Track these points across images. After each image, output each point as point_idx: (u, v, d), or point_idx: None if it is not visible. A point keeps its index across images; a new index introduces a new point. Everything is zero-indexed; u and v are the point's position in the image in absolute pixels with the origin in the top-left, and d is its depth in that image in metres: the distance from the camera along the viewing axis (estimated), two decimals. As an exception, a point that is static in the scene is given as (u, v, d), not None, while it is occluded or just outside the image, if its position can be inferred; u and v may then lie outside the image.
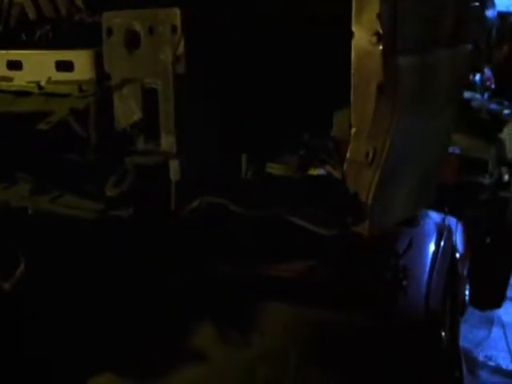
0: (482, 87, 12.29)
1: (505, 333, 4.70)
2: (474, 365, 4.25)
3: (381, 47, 1.59)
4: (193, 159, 1.92)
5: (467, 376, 4.09)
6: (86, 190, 1.86)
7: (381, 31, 1.58)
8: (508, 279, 5.60)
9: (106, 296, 2.06)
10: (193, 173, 1.89)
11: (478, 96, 8.43)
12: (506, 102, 8.34)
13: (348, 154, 1.79)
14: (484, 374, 4.16)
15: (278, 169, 2.00)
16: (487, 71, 13.77)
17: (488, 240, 6.00)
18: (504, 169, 6.52)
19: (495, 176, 6.22)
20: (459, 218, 5.96)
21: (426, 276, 2.52)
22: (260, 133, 2.02)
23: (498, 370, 4.23)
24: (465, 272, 4.02)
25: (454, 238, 4.14)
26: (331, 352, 2.11)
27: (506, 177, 6.48)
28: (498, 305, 5.23)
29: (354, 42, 1.64)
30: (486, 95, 11.74)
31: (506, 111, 7.09)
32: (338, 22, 1.65)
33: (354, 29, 1.64)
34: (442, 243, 2.84)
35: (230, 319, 2.11)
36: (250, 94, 1.99)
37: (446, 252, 2.83)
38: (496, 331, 4.69)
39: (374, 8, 1.58)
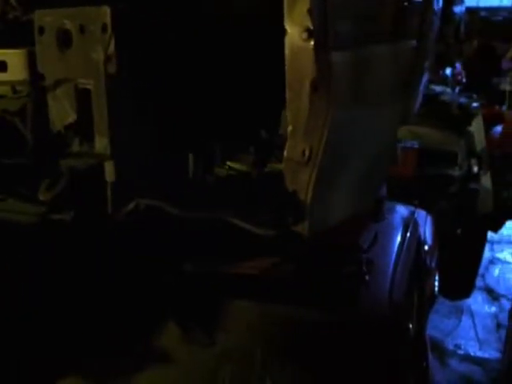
0: (454, 81, 12.41)
1: (474, 321, 4.74)
2: (443, 354, 4.28)
3: (312, 43, 1.55)
4: (129, 160, 1.86)
5: (437, 365, 4.13)
6: (26, 194, 1.81)
7: (311, 27, 1.53)
8: (477, 269, 5.66)
9: (68, 297, 2.02)
10: (129, 174, 1.82)
11: (448, 90, 8.50)
12: (474, 96, 8.43)
13: (285, 153, 1.74)
14: (453, 363, 4.19)
15: (235, 167, 1.97)
16: (458, 66, 13.91)
17: (459, 231, 6.05)
18: (473, 160, 6.57)
19: (465, 168, 6.27)
20: (430, 210, 6.01)
21: (390, 269, 2.51)
22: (207, 132, 1.97)
23: (466, 358, 4.26)
24: (433, 264, 4.03)
25: (421, 231, 4.15)
26: (296, 348, 2.09)
27: (476, 168, 6.53)
28: (468, 294, 5.28)
29: (286, 39, 1.59)
30: (457, 89, 11.86)
31: (475, 104, 7.15)
32: (276, 19, 1.58)
33: (286, 25, 1.59)
34: (408, 236, 2.83)
35: (195, 318, 2.08)
36: (188, 92, 1.93)
37: (411, 245, 2.82)
38: (465, 320, 4.73)
39: (304, 3, 1.53)
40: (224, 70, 1.91)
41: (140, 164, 1.85)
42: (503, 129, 8.74)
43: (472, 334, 4.52)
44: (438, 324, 4.56)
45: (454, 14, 8.72)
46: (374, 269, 2.39)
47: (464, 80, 14.26)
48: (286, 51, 1.59)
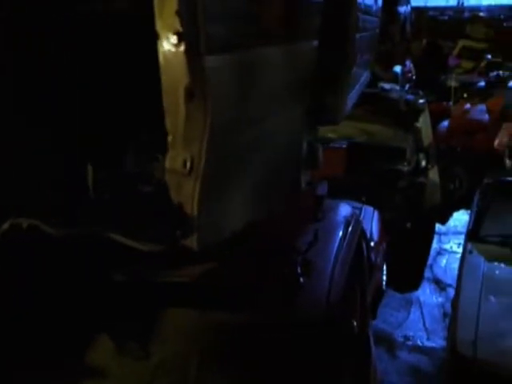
0: (404, 79, 12.58)
1: (422, 313, 4.77)
2: (393, 346, 4.30)
3: (183, 47, 1.40)
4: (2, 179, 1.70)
5: (386, 357, 4.13)
6: None
7: (181, 30, 1.38)
8: (426, 261, 5.72)
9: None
10: (3, 194, 1.71)
11: (397, 87, 8.58)
12: (421, 92, 8.53)
13: (167, 164, 1.57)
14: (402, 354, 4.22)
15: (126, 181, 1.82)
16: (408, 63, 14.10)
17: (408, 224, 6.10)
18: (421, 155, 6.62)
19: (413, 163, 6.32)
20: (381, 204, 6.05)
21: (329, 269, 2.47)
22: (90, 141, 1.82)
23: (415, 349, 4.30)
24: (380, 259, 4.03)
25: (367, 227, 4.14)
26: (232, 353, 2.02)
27: (424, 163, 6.60)
28: (417, 287, 5.32)
29: (158, 43, 1.44)
30: (407, 86, 12.02)
31: (421, 101, 7.21)
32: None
33: (157, 29, 1.42)
34: (349, 234, 2.80)
35: (128, 330, 1.99)
36: (67, 98, 1.76)
37: (352, 242, 2.79)
38: (414, 311, 4.76)
39: (172, 4, 1.36)
40: (105, 73, 1.77)
41: (18, 182, 1.72)
42: (449, 123, 8.89)
43: (420, 324, 4.54)
44: (387, 317, 4.58)
45: (398, 13, 8.81)
46: (311, 269, 2.33)
47: (414, 77, 14.53)
48: (159, 56, 1.45)
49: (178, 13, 1.36)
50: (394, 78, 10.68)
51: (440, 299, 5.03)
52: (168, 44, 1.41)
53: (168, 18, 1.38)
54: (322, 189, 2.98)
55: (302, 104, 2.13)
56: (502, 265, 4.07)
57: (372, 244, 3.82)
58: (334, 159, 3.48)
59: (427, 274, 5.46)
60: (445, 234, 6.47)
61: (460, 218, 6.67)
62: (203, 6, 1.38)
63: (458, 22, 18.16)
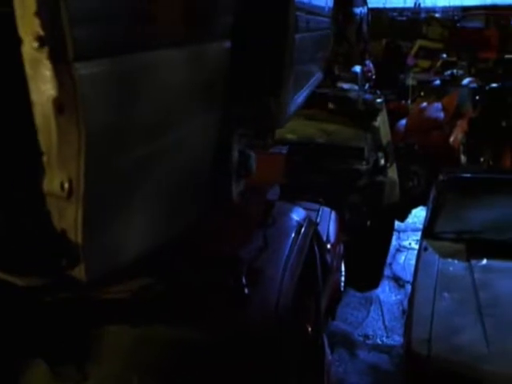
0: (364, 78, 12.63)
1: (382, 311, 4.68)
2: (353, 346, 4.25)
3: (46, 54, 1.17)
4: None
5: (345, 358, 4.08)
6: None
7: (43, 33, 1.15)
8: (385, 259, 5.70)
9: None
10: None
11: (355, 87, 8.58)
12: (378, 92, 8.55)
13: (44, 187, 1.34)
14: (362, 353, 4.16)
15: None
16: (368, 63, 14.18)
17: (368, 223, 6.07)
18: (380, 154, 6.61)
19: (372, 162, 6.30)
20: (341, 204, 6.00)
21: (279, 276, 2.38)
22: None
23: (375, 347, 4.25)
24: (337, 260, 3.96)
25: (324, 228, 4.08)
26: (174, 371, 1.91)
27: (382, 161, 6.58)
28: (377, 285, 5.29)
29: (22, 50, 1.20)
30: (367, 85, 12.07)
31: (379, 100, 7.20)
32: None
33: (20, 32, 1.18)
34: (300, 238, 2.71)
35: (64, 352, 1.86)
36: None
37: (303, 247, 2.70)
38: (374, 310, 4.65)
39: (31, 4, 1.14)
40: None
41: None
42: (407, 121, 8.93)
43: (380, 323, 4.49)
44: (348, 317, 4.53)
45: (354, 14, 8.81)
46: (259, 278, 2.24)
47: (374, 77, 14.62)
48: (25, 65, 1.22)
49: (38, 14, 1.14)
50: (354, 78, 10.72)
51: (399, 296, 5.00)
52: (31, 50, 1.19)
53: (28, 20, 1.16)
54: (273, 193, 2.89)
55: (220, 110, 1.93)
56: (456, 261, 4.05)
57: (328, 246, 3.75)
58: (272, 165, 3.37)
59: (386, 271, 5.44)
60: (403, 231, 6.47)
61: (418, 215, 6.68)
62: (67, 4, 1.14)
63: (415, 22, 18.37)
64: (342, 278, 4.13)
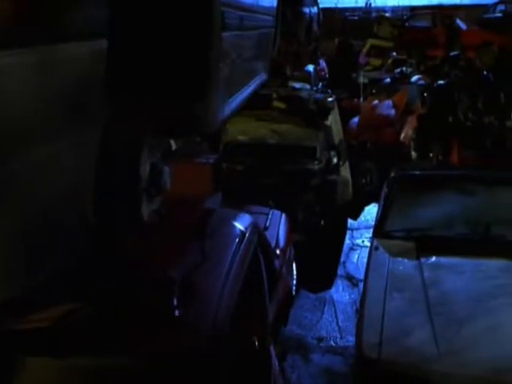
0: (317, 77, 12.58)
1: (335, 311, 4.59)
2: (307, 349, 4.12)
3: None
4: None
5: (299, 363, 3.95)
6: None
7: None
8: (339, 259, 5.63)
9: None
10: None
11: (307, 86, 8.49)
12: (329, 91, 8.49)
13: None
14: (316, 357, 4.03)
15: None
16: (322, 62, 14.15)
17: (322, 222, 5.98)
18: (332, 153, 6.52)
19: (324, 161, 6.21)
20: (293, 205, 5.88)
21: (218, 290, 2.22)
22: None
23: (329, 350, 4.13)
24: (287, 264, 3.81)
25: (274, 232, 3.93)
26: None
27: (335, 160, 6.50)
28: (330, 285, 5.20)
29: None
30: (320, 84, 12.02)
31: (330, 99, 7.10)
32: None
33: None
34: (243, 248, 2.56)
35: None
36: None
37: (245, 256, 2.54)
38: (328, 311, 4.55)
39: None
40: None
41: None
42: (359, 119, 8.90)
43: (334, 324, 4.38)
44: (301, 320, 4.40)
45: (303, 13, 8.70)
46: (194, 295, 2.07)
47: (327, 75, 14.60)
48: None
49: None
50: (308, 77, 10.63)
51: (353, 296, 4.91)
52: None
53: None
54: (214, 201, 2.72)
55: (98, 122, 1.63)
56: (406, 260, 3.98)
57: (278, 251, 3.60)
58: (198, 176, 3.17)
59: (340, 270, 5.34)
60: (357, 229, 6.40)
61: (372, 212, 6.60)
62: None
63: (367, 22, 18.46)
64: (294, 282, 4.00)
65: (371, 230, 5.37)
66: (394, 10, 19.86)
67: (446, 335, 3.17)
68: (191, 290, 2.03)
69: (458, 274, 3.77)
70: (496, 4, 17.00)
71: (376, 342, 3.15)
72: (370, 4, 20.50)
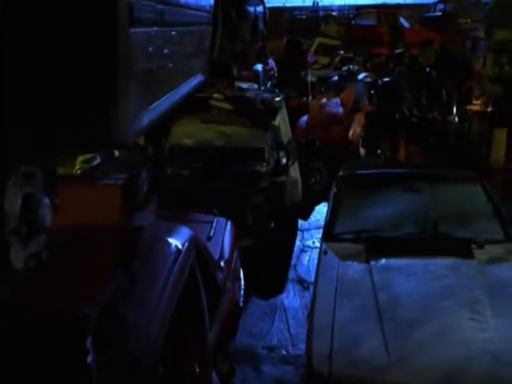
0: (266, 77, 12.38)
1: (287, 318, 4.34)
2: (258, 361, 3.88)
3: None
4: None
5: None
6: None
7: None
8: (289, 262, 5.45)
9: None
10: None
11: (254, 86, 8.27)
12: (277, 90, 8.30)
13: None
14: (267, 368, 3.77)
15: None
16: (271, 61, 13.98)
17: (272, 225, 5.78)
18: (281, 153, 6.33)
19: (272, 162, 6.00)
20: (241, 209, 5.65)
21: (146, 318, 1.97)
22: None
23: (280, 359, 3.92)
24: (233, 275, 3.57)
25: (219, 241, 3.69)
26: None
27: (284, 160, 6.31)
28: (281, 290, 5.00)
29: None
30: (269, 84, 11.83)
31: (278, 98, 6.90)
32: None
33: None
34: (177, 268, 2.30)
35: None
36: None
37: (180, 277, 2.30)
38: (279, 318, 4.29)
39: None
40: None
41: None
42: (308, 118, 8.77)
43: (285, 331, 4.18)
44: (252, 329, 4.16)
45: (248, 12, 8.46)
46: (117, 329, 1.80)
47: (276, 75, 14.45)
48: None
49: None
50: (256, 77, 10.42)
51: (304, 300, 4.72)
52: None
53: None
54: (146, 217, 2.45)
55: None
56: (356, 263, 3.81)
57: (222, 262, 3.36)
58: (104, 201, 2.86)
59: (291, 274, 5.15)
60: (307, 229, 6.22)
61: (322, 211, 6.44)
62: None
63: (314, 21, 18.44)
64: (242, 292, 3.77)
65: (321, 231, 5.21)
66: (341, 8, 19.94)
67: (396, 342, 3.02)
68: (111, 325, 1.77)
69: (408, 276, 3.63)
70: (436, 4, 17.32)
71: (326, 353, 2.97)
72: (318, 3, 20.53)
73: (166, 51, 2.25)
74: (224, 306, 3.06)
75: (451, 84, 10.04)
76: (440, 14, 15.97)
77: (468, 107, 9.77)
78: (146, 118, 2.02)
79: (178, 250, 2.40)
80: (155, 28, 1.99)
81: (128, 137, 1.88)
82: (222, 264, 3.29)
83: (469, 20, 13.99)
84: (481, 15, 14.06)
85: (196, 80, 3.25)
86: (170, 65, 2.40)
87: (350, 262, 3.82)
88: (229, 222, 4.01)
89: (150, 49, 1.88)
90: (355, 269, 3.75)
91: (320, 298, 3.46)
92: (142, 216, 2.35)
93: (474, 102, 9.89)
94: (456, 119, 9.72)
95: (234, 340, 3.56)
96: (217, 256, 3.35)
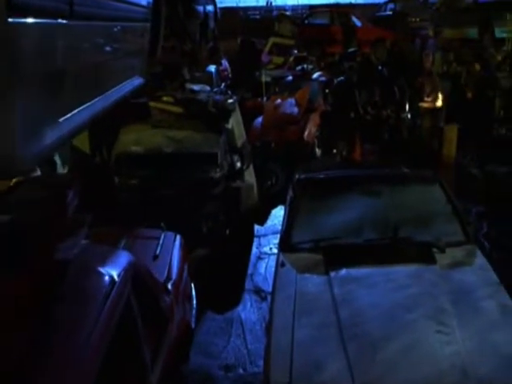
0: (220, 78, 12.00)
1: (244, 332, 3.98)
2: (213, 382, 3.56)
3: None
4: None
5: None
6: None
7: None
8: (245, 271, 5.12)
9: None
10: None
11: (207, 88, 7.89)
12: (229, 92, 7.95)
13: None
14: (224, 389, 3.54)
15: None
16: (224, 62, 13.60)
17: (227, 232, 5.44)
18: (235, 157, 5.99)
19: (226, 167, 5.64)
20: (195, 217, 5.29)
21: (71, 368, 1.62)
22: None
23: (238, 380, 3.58)
24: (182, 297, 3.19)
25: (166, 259, 3.32)
26: None
27: (238, 164, 5.97)
28: (237, 301, 4.66)
29: None
30: (223, 85, 11.46)
31: (230, 100, 6.54)
32: None
33: None
34: (110, 303, 1.95)
35: None
36: None
37: (113, 314, 1.94)
38: (236, 332, 3.90)
39: None
40: None
41: None
42: (262, 119, 8.44)
43: (243, 348, 3.84)
44: (207, 347, 3.80)
45: (197, 11, 8.05)
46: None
47: (230, 75, 14.08)
48: None
49: None
50: (210, 78, 10.03)
51: (261, 311, 4.40)
52: None
53: None
54: (71, 247, 2.05)
55: None
56: (315, 275, 3.52)
57: (170, 283, 2.99)
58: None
59: (247, 284, 4.81)
60: (264, 235, 5.88)
61: (278, 215, 6.15)
62: None
63: (268, 20, 18.22)
64: (194, 312, 3.41)
65: (279, 236, 4.91)
66: (294, 8, 19.79)
67: (361, 364, 2.75)
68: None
69: (369, 287, 3.37)
70: (386, 3, 17.36)
71: (285, 381, 2.66)
72: (271, 3, 20.30)
73: (84, 50, 1.86)
74: (172, 333, 2.70)
75: (403, 81, 9.96)
76: (390, 13, 16.00)
77: (420, 104, 9.70)
78: (55, 135, 1.62)
79: (112, 283, 2.04)
80: (61, 21, 1.60)
81: (25, 163, 1.48)
82: (170, 286, 2.93)
83: (418, 19, 14.04)
84: (429, 14, 14.14)
85: (132, 83, 2.86)
86: (92, 67, 2.02)
87: (308, 275, 3.52)
88: (178, 237, 3.64)
89: (56, 47, 1.48)
90: (314, 282, 3.45)
91: (277, 316, 3.15)
92: (68, 245, 1.96)
93: (426, 98, 9.84)
94: (409, 116, 9.64)
95: (187, 363, 3.21)
96: (163, 277, 2.98)
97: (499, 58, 9.76)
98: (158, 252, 3.21)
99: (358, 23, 15.41)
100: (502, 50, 9.89)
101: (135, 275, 2.29)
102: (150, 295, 2.45)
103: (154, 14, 3.55)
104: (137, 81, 3.03)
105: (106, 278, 2.05)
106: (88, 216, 2.28)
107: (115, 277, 2.08)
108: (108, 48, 2.34)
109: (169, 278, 3.02)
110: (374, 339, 2.90)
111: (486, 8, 11.27)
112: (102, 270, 2.08)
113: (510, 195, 6.70)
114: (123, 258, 2.31)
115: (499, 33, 10.99)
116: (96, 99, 2.16)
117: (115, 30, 2.39)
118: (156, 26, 3.89)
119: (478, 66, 9.62)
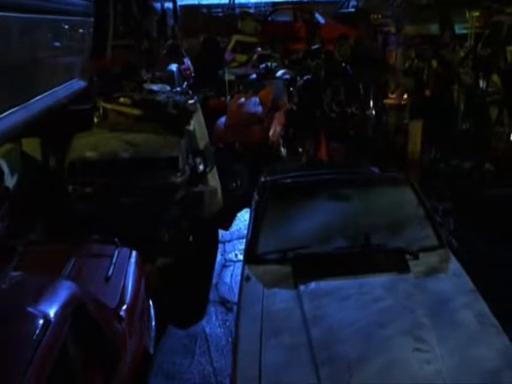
0: (182, 77, 11.57)
1: (209, 348, 3.62)
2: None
3: None
4: None
5: None
6: None
7: None
8: (210, 281, 4.77)
9: None
10: None
11: (167, 88, 7.49)
12: (190, 92, 7.58)
13: None
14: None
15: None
16: (187, 61, 13.18)
17: (190, 239, 5.11)
18: (197, 160, 5.65)
19: (188, 170, 5.30)
20: (156, 224, 4.94)
21: None
22: None
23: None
24: (138, 320, 2.85)
25: (121, 278, 2.98)
26: None
27: (201, 167, 5.63)
28: (201, 314, 4.30)
29: None
30: (185, 84, 11.04)
31: (192, 101, 6.18)
32: None
33: None
34: (42, 348, 1.62)
35: None
36: None
37: (46, 360, 1.61)
38: (200, 349, 3.50)
39: None
40: None
41: None
42: (226, 119, 8.10)
43: (208, 366, 3.50)
44: (169, 368, 3.43)
45: (153, 8, 7.63)
46: None
47: (193, 74, 13.66)
48: None
49: None
50: (171, 77, 9.61)
51: (227, 323, 4.08)
52: None
53: None
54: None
55: None
56: (283, 290, 3.23)
57: (123, 308, 2.65)
58: None
59: (212, 294, 4.48)
60: (229, 241, 5.55)
61: (244, 219, 5.84)
62: None
63: (231, 18, 17.88)
64: (153, 334, 3.08)
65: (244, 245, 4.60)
66: (257, 5, 19.45)
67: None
68: None
69: (342, 302, 3.10)
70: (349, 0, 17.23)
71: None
72: (234, 0, 19.89)
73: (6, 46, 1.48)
74: (125, 365, 2.37)
75: (367, 78, 9.82)
76: (353, 10, 15.87)
77: (384, 101, 9.57)
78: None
79: (45, 325, 1.69)
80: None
81: None
82: (123, 312, 2.59)
83: (380, 16, 13.94)
84: (390, 11, 14.05)
85: (71, 86, 2.49)
86: (15, 67, 1.65)
87: (276, 290, 3.23)
88: (134, 253, 3.28)
89: None
90: (282, 297, 3.16)
91: (243, 339, 2.85)
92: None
93: (390, 95, 9.71)
94: (373, 113, 9.48)
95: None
96: (115, 303, 2.64)
97: (462, 53, 9.70)
98: (110, 273, 2.86)
99: (321, 20, 15.22)
100: (465, 46, 9.82)
101: (79, 309, 1.95)
102: (96, 329, 2.11)
103: (101, 8, 3.19)
104: (76, 84, 2.65)
105: (39, 319, 1.70)
106: (22, 240, 1.93)
107: (51, 317, 1.73)
108: (37, 45, 1.93)
109: (122, 302, 2.67)
110: (348, 361, 2.64)
111: (446, 4, 11.24)
112: (33, 310, 1.73)
113: (474, 190, 6.62)
114: (63, 290, 1.96)
115: (459, 29, 10.97)
116: (18, 108, 1.80)
117: (46, 24, 1.99)
118: (104, 23, 3.52)
119: (435, 63, 9.55)
